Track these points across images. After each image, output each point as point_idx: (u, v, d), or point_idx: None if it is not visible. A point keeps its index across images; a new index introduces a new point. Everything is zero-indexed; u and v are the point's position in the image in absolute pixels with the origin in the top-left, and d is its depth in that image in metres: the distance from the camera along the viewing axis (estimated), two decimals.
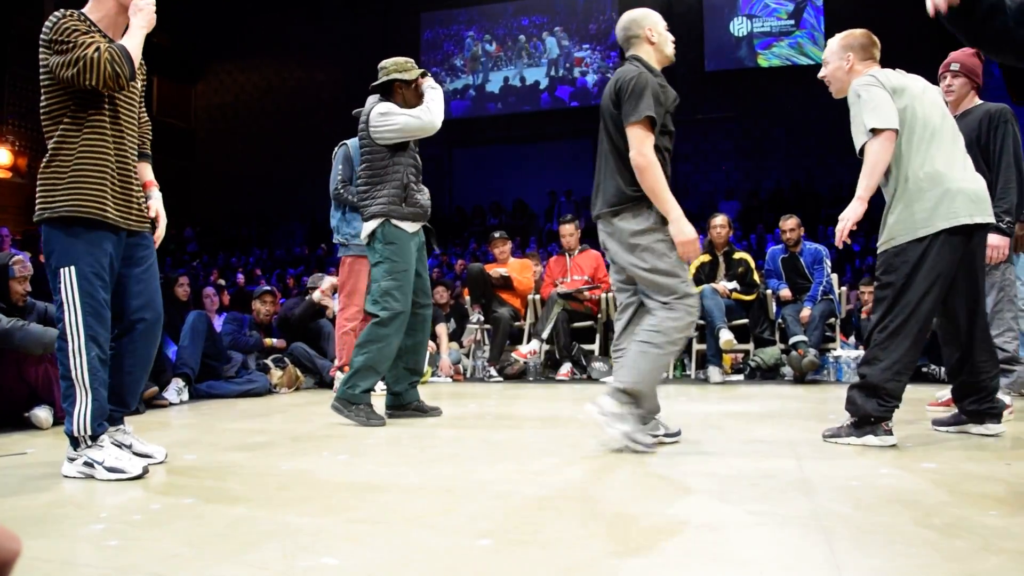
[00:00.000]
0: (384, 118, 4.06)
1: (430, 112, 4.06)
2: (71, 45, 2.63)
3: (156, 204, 3.03)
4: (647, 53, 3.27)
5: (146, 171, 3.04)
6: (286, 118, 20.60)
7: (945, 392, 3.97)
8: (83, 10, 2.79)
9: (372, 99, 4.21)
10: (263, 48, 21.20)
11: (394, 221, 4.04)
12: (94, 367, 2.69)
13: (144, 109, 3.07)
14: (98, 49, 2.63)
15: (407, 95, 4.20)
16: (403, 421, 4.12)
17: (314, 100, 20.20)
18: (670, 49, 3.33)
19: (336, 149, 5.62)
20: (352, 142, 5.32)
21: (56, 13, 2.70)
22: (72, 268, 2.68)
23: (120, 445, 2.87)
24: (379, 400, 4.87)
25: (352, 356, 4.08)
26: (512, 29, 19.74)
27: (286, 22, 20.69)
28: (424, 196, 4.22)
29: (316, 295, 5.52)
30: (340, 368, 5.39)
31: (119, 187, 2.81)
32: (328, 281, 6.30)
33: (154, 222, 3.02)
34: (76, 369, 2.67)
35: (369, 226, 4.08)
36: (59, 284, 2.68)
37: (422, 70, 4.28)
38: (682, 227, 3.06)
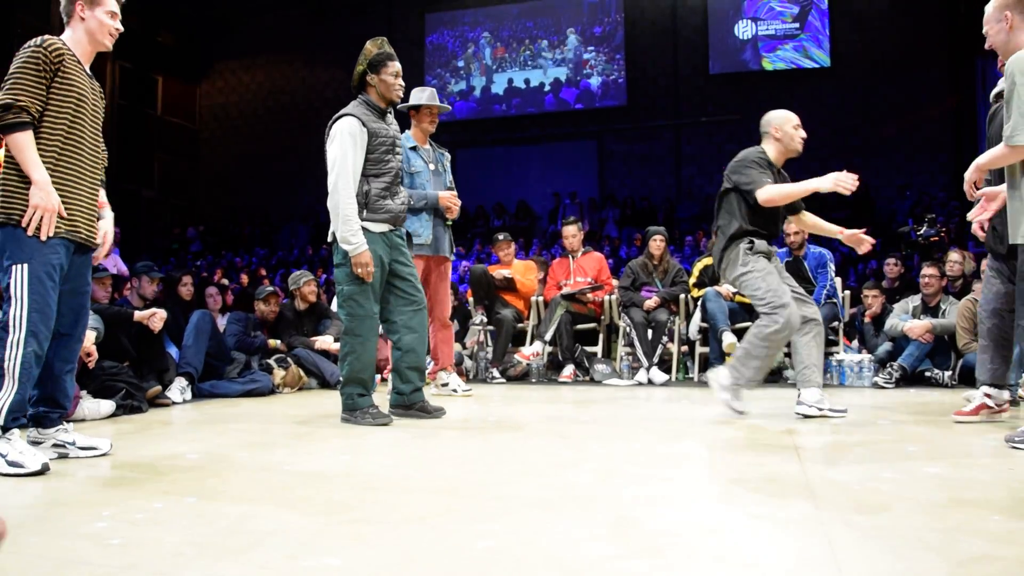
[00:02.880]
0: (331, 142, 3.98)
1: (341, 202, 3.91)
2: (16, 77, 2.80)
3: (105, 225, 3.17)
4: (770, 147, 4.68)
5: (100, 195, 3.17)
6: (290, 118, 20.62)
7: (973, 396, 3.92)
8: (63, 35, 3.00)
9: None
10: (268, 48, 21.22)
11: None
12: (28, 362, 2.77)
13: (101, 137, 3.18)
14: (16, 108, 2.75)
15: (379, 84, 4.08)
16: (406, 422, 4.12)
17: (318, 100, 20.22)
18: (797, 144, 4.64)
19: None
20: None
21: (44, 37, 2.89)
22: (25, 266, 2.78)
23: (64, 444, 3.04)
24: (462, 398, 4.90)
25: (340, 369, 4.12)
26: (517, 31, 19.74)
27: (291, 22, 20.73)
28: (396, 201, 4.12)
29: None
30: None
31: (75, 202, 2.94)
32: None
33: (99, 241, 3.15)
34: (10, 360, 2.75)
35: (332, 226, 4.03)
36: (10, 280, 2.78)
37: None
38: None
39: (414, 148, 5.22)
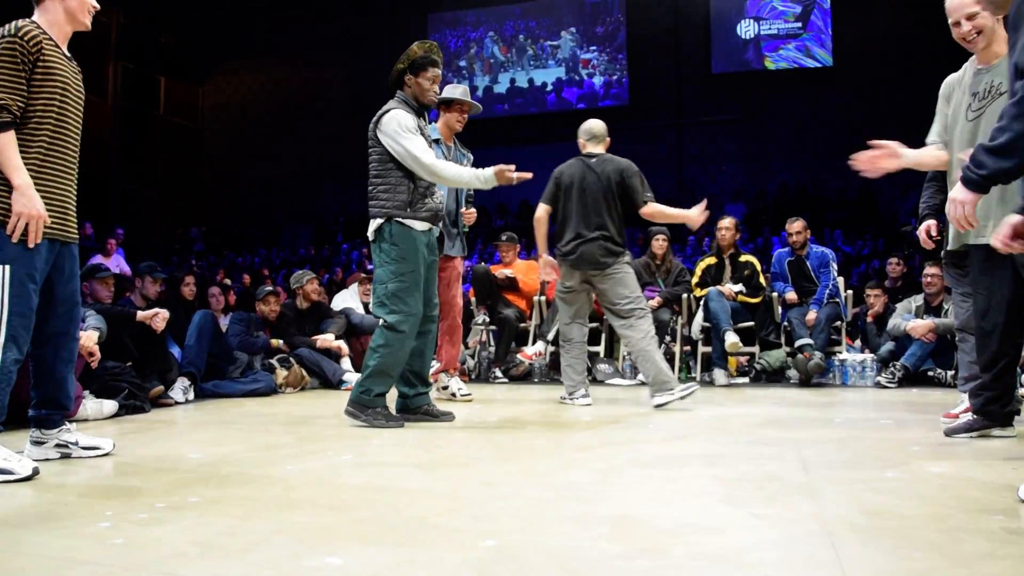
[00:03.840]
0: (397, 135, 3.92)
1: (444, 170, 3.94)
2: None
3: None
4: None
5: None
6: (293, 119, 20.64)
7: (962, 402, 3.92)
8: (34, 17, 2.83)
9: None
10: (270, 48, 21.25)
11: (400, 219, 3.94)
12: (7, 368, 2.71)
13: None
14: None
15: (415, 86, 4.07)
16: (407, 422, 4.12)
17: (321, 101, 20.24)
18: None
19: None
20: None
21: (17, 24, 2.73)
22: (7, 268, 2.69)
23: (67, 444, 3.02)
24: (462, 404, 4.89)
25: (365, 359, 4.02)
26: (520, 31, 19.75)
27: (293, 22, 20.74)
28: (436, 198, 4.12)
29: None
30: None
31: (58, 199, 2.85)
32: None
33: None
34: None
35: (374, 224, 3.99)
36: None
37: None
38: None
39: (437, 141, 5.10)
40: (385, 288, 3.93)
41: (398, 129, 3.92)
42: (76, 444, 3.05)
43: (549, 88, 19.30)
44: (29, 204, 2.69)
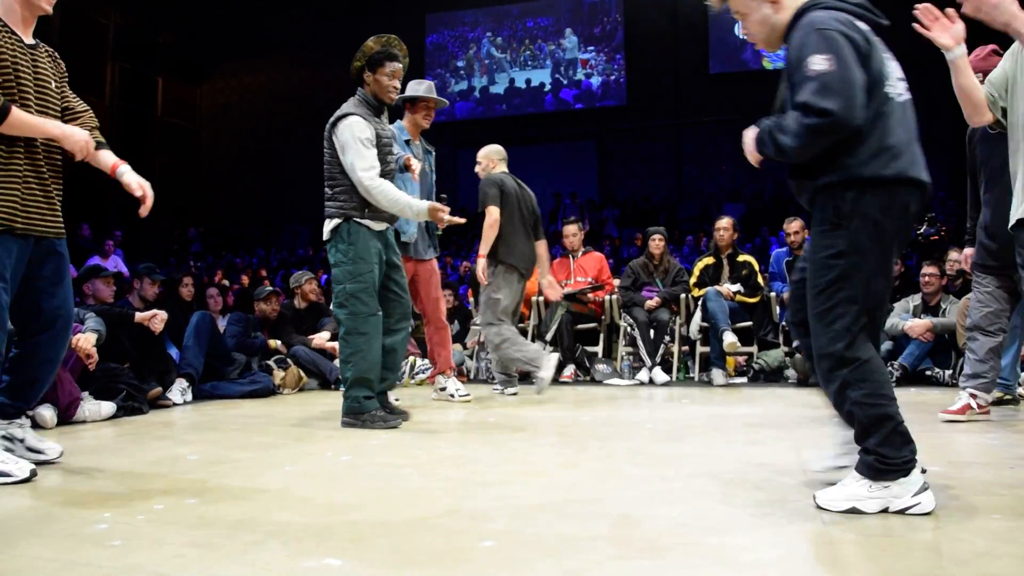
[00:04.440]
0: (347, 147, 3.89)
1: (381, 195, 3.87)
2: None
3: (130, 178, 2.96)
4: None
5: (106, 156, 2.96)
6: (291, 119, 20.62)
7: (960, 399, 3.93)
8: None
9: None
10: (268, 48, 21.24)
11: (357, 219, 3.93)
12: None
13: (77, 99, 3.02)
14: None
15: (373, 83, 4.04)
16: (408, 422, 4.11)
17: (319, 101, 20.10)
18: None
19: None
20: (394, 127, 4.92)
21: None
22: None
23: (13, 439, 2.88)
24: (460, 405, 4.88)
25: (341, 371, 4.04)
26: (518, 31, 19.76)
27: (291, 22, 20.75)
28: None
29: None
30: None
31: (29, 193, 2.76)
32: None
33: (140, 199, 2.96)
34: None
35: (330, 224, 3.98)
36: None
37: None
38: None
39: (408, 142, 5.06)
40: (343, 289, 3.93)
41: (349, 140, 3.89)
42: (22, 442, 2.91)
43: (547, 88, 19.31)
44: (73, 135, 2.76)
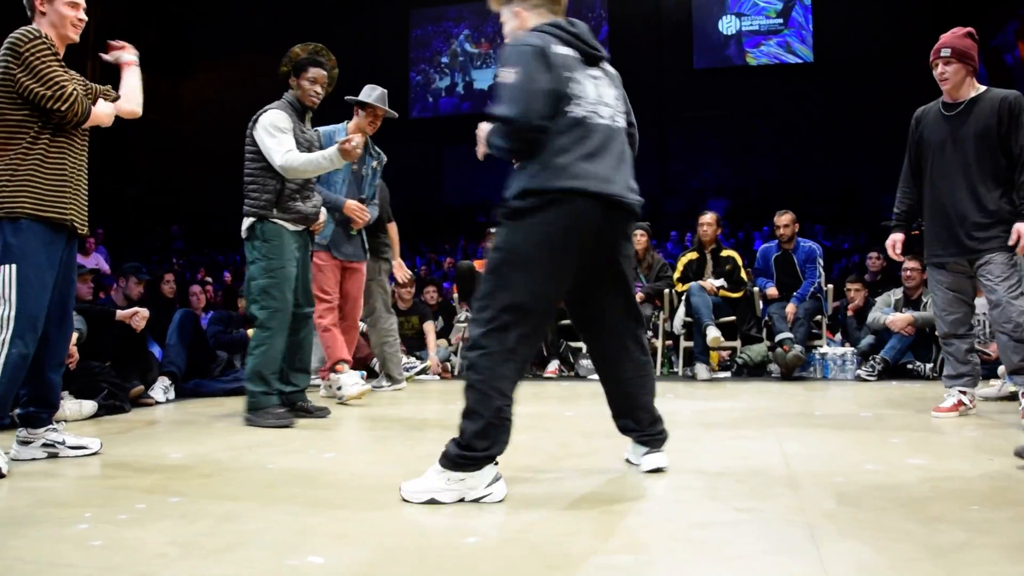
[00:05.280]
0: (264, 133, 4.02)
1: (294, 162, 3.95)
2: (48, 71, 2.78)
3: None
4: None
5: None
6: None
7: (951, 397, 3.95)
8: (40, 28, 2.87)
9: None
10: (252, 45, 21.08)
11: (272, 219, 4.00)
12: (13, 363, 2.74)
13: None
14: (75, 90, 2.83)
15: (297, 87, 4.17)
16: (392, 418, 4.10)
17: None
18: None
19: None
20: (325, 131, 4.97)
21: (31, 29, 2.82)
22: (14, 267, 2.74)
23: (53, 444, 3.02)
24: (358, 402, 4.87)
25: (246, 364, 4.08)
26: (501, 27, 19.72)
27: (275, 19, 20.60)
28: (308, 204, 4.14)
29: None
30: (333, 367, 4.99)
31: (76, 191, 2.94)
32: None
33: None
34: None
35: (246, 223, 4.04)
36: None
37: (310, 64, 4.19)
38: None
39: None
40: (257, 284, 4.00)
41: (267, 127, 4.01)
42: (63, 444, 3.04)
43: None
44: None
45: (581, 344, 7.03)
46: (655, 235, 7.49)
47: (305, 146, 4.12)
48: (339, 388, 4.80)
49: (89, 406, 4.30)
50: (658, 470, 2.56)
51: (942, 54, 3.73)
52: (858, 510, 2.06)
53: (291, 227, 4.06)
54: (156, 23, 20.28)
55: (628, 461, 2.70)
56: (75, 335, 4.22)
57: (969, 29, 3.73)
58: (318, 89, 4.19)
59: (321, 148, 4.26)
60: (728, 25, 17.74)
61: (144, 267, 6.21)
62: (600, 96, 2.41)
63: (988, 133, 3.60)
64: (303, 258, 4.19)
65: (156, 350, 5.52)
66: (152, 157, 20.89)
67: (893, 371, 6.00)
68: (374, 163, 5.17)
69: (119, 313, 4.91)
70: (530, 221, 2.27)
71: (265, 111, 4.10)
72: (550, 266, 2.28)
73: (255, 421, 3.91)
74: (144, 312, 4.99)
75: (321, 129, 4.98)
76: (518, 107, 2.23)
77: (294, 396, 4.21)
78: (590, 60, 2.44)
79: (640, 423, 2.59)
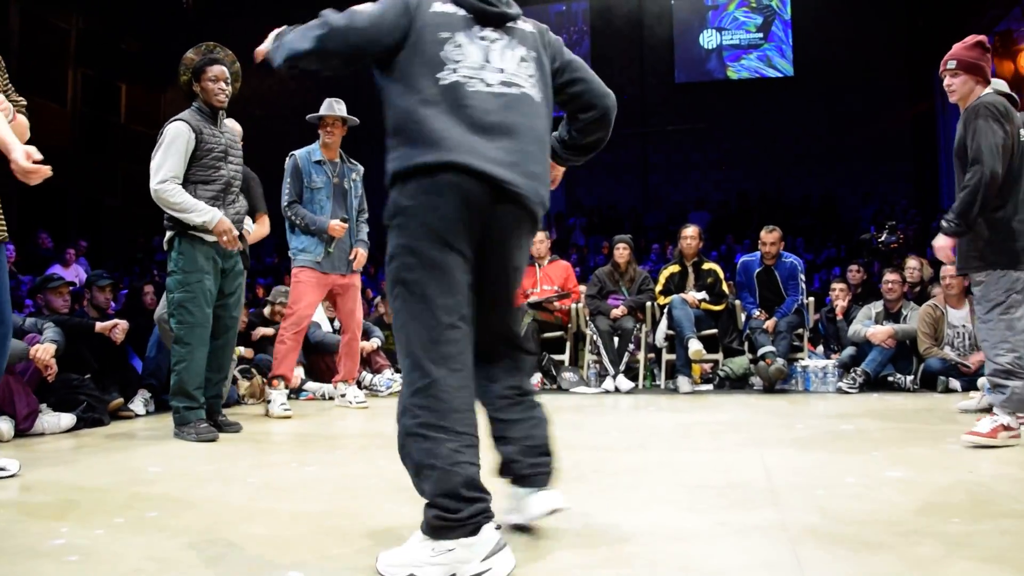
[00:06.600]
0: (158, 147, 4.02)
1: (168, 197, 3.93)
2: None
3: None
4: None
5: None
6: (257, 125, 20.24)
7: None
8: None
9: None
10: (235, 53, 21.06)
11: (189, 230, 3.97)
12: None
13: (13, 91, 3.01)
14: None
15: (201, 91, 4.14)
16: (372, 432, 4.08)
17: (286, 108, 20.00)
18: None
19: (287, 160, 5.30)
20: (300, 153, 5.10)
21: None
22: None
23: None
24: (358, 411, 4.85)
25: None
26: None
27: (258, 27, 20.51)
28: (228, 212, 4.10)
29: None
30: (271, 380, 5.02)
31: None
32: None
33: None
34: None
35: (167, 235, 4.05)
36: None
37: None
38: None
39: (319, 163, 5.09)
40: (173, 299, 4.00)
41: (161, 143, 3.99)
42: None
43: None
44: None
45: (563, 357, 7.04)
46: (637, 248, 7.50)
47: (219, 149, 4.08)
48: (343, 396, 5.17)
49: (67, 419, 4.25)
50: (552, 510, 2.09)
51: (948, 66, 3.66)
52: (839, 524, 2.07)
53: (208, 238, 4.00)
54: (137, 33, 20.18)
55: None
56: (53, 347, 4.19)
57: (980, 38, 3.68)
58: (223, 86, 4.14)
59: (239, 152, 4.34)
60: (709, 40, 17.87)
61: (104, 273, 6.14)
62: (488, 60, 2.02)
63: (962, 143, 3.61)
64: (228, 265, 4.17)
65: (136, 362, 5.46)
66: (133, 168, 20.74)
67: (874, 383, 6.05)
68: (353, 175, 5.18)
69: (99, 325, 4.86)
70: (412, 209, 1.86)
71: (171, 121, 4.03)
72: (448, 257, 1.85)
73: (182, 435, 3.90)
74: (124, 324, 4.94)
75: (296, 153, 5.03)
76: (344, 22, 1.93)
77: (214, 403, 4.22)
78: (485, 19, 2.06)
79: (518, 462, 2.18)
